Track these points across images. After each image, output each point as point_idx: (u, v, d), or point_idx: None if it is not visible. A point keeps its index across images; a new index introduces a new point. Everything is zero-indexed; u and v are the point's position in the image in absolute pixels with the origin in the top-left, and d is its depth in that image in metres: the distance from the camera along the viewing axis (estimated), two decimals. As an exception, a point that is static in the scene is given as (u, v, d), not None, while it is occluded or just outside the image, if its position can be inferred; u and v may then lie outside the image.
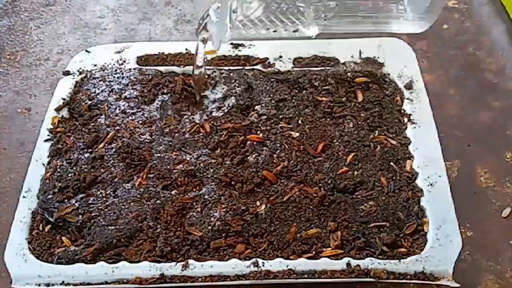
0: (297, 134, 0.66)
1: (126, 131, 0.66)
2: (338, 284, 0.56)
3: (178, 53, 0.74)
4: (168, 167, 0.63)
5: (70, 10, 0.90)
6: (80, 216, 0.59)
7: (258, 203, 0.59)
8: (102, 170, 0.62)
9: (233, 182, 0.61)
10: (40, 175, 0.62)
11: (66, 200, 0.60)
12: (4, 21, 0.88)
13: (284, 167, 0.62)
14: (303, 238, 0.57)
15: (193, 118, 0.68)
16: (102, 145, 0.65)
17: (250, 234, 0.58)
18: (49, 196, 0.60)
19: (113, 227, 0.58)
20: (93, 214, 0.59)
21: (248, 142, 0.65)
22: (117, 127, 0.67)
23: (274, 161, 0.63)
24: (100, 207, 0.60)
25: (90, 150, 0.65)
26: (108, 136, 0.65)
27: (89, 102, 0.69)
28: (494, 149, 0.69)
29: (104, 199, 0.60)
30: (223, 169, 0.62)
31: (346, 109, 0.69)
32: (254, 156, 0.63)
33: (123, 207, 0.60)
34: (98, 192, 0.61)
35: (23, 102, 0.76)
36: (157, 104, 0.69)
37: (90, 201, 0.60)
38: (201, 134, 0.66)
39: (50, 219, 0.58)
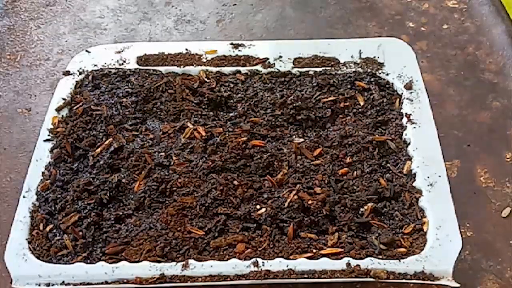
0: (298, 137, 0.66)
1: (123, 134, 0.66)
2: (338, 284, 0.56)
3: (178, 53, 0.74)
4: (168, 169, 0.63)
5: (70, 10, 0.90)
6: (85, 220, 0.59)
7: (258, 207, 0.59)
8: (101, 175, 0.62)
9: (234, 184, 0.61)
10: (38, 181, 0.62)
11: (68, 208, 0.60)
12: (4, 21, 0.88)
13: (285, 174, 0.62)
14: (302, 237, 0.57)
15: (193, 122, 0.68)
16: (99, 150, 0.64)
17: (250, 234, 0.58)
18: (51, 209, 0.60)
19: (113, 230, 0.58)
20: (94, 219, 0.59)
21: (249, 146, 0.64)
22: (115, 131, 0.66)
23: (275, 165, 0.63)
24: (100, 211, 0.60)
25: (88, 155, 0.64)
26: (106, 142, 0.65)
27: (88, 104, 0.69)
28: (494, 149, 0.69)
29: (105, 203, 0.60)
30: (224, 173, 0.62)
31: (346, 110, 0.69)
32: (255, 160, 0.63)
33: (122, 210, 0.60)
34: (99, 197, 0.61)
35: (23, 102, 0.76)
36: (155, 108, 0.69)
37: (91, 206, 0.60)
38: (197, 139, 0.66)
39: (59, 232, 0.58)
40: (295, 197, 0.59)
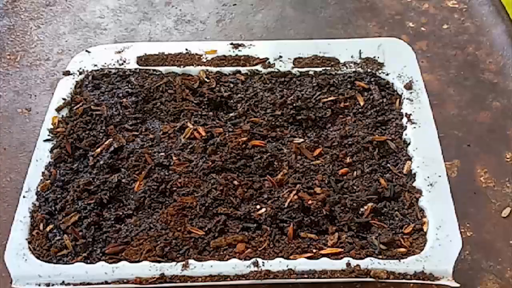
0: (298, 137, 0.66)
1: (123, 135, 0.66)
2: (338, 284, 0.56)
3: (178, 53, 0.74)
4: (168, 169, 0.63)
5: (70, 10, 0.90)
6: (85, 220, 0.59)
7: (258, 207, 0.59)
8: (101, 175, 0.62)
9: (234, 184, 0.61)
10: (38, 181, 0.62)
11: (68, 208, 0.60)
12: (4, 21, 0.88)
13: (285, 174, 0.62)
14: (302, 237, 0.57)
15: (193, 122, 0.67)
16: (99, 150, 0.64)
17: (250, 234, 0.58)
18: (51, 209, 0.60)
19: (113, 230, 0.58)
20: (94, 219, 0.59)
21: (249, 146, 0.64)
22: (115, 131, 0.66)
23: (275, 165, 0.63)
24: (100, 211, 0.60)
25: (88, 155, 0.64)
26: (106, 142, 0.65)
27: (88, 104, 0.69)
28: (494, 149, 0.69)
29: (105, 203, 0.60)
30: (224, 173, 0.62)
31: (346, 110, 0.69)
32: (255, 160, 0.63)
33: (122, 210, 0.60)
34: (99, 197, 0.60)
35: (23, 102, 0.76)
36: (155, 108, 0.69)
37: (91, 206, 0.60)
38: (197, 139, 0.65)
39: (59, 232, 0.58)
40: (295, 197, 0.59)
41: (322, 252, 0.56)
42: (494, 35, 0.84)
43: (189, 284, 0.54)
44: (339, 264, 0.54)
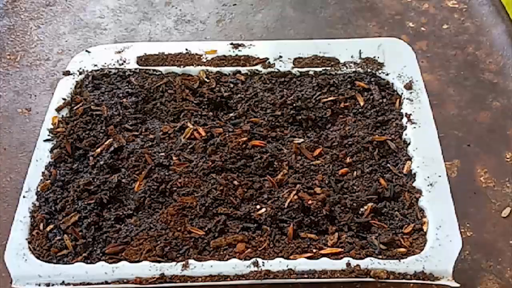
0: (298, 137, 0.66)
1: (124, 135, 0.66)
2: (338, 284, 0.56)
3: (178, 53, 0.74)
4: (168, 169, 0.63)
5: (70, 10, 0.90)
6: (85, 220, 0.59)
7: (258, 207, 0.59)
8: (101, 175, 0.62)
9: (234, 184, 0.61)
10: (38, 181, 0.62)
11: (68, 208, 0.60)
12: (4, 21, 0.88)
13: (285, 174, 0.62)
14: (302, 237, 0.57)
15: (193, 122, 0.67)
16: (99, 150, 0.64)
17: (250, 234, 0.58)
18: (51, 209, 0.60)
19: (113, 231, 0.58)
20: (94, 219, 0.59)
21: (249, 146, 0.64)
22: (115, 131, 0.66)
23: (275, 165, 0.63)
24: (100, 212, 0.60)
25: (88, 155, 0.64)
26: (106, 142, 0.65)
27: (89, 104, 0.69)
28: (494, 149, 0.69)
29: (105, 203, 0.60)
30: (224, 173, 0.62)
31: (346, 110, 0.69)
32: (255, 160, 0.63)
33: (122, 210, 0.60)
34: (99, 197, 0.60)
35: (23, 102, 0.77)
36: (155, 108, 0.69)
37: (91, 206, 0.60)
38: (197, 139, 0.65)
39: (59, 232, 0.58)
40: (295, 197, 0.59)
41: (322, 252, 0.56)
42: (494, 35, 0.84)
43: (189, 284, 0.54)
44: (339, 264, 0.54)
